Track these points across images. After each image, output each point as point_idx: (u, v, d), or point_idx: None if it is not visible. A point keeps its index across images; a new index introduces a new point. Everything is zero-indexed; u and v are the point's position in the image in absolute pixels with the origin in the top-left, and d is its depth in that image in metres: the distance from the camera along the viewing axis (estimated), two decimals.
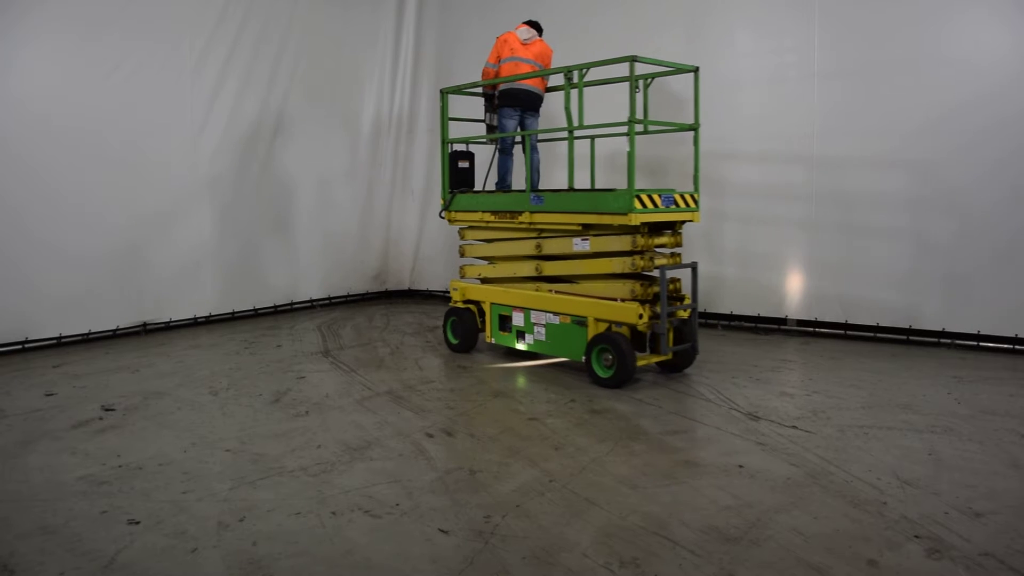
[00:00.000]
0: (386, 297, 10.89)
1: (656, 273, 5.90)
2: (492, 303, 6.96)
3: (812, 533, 3.33)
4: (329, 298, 10.18)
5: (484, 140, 7.53)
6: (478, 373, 6.36)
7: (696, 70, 6.22)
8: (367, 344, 7.62)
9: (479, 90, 7.57)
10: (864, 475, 3.98)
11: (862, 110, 7.40)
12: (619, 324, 5.86)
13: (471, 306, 7.18)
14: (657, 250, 6.09)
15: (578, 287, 6.33)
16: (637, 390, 5.74)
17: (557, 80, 7.39)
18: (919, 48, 7.09)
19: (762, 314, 8.17)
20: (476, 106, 7.92)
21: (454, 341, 7.23)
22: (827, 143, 7.61)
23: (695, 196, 6.16)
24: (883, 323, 7.49)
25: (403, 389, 5.83)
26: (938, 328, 7.22)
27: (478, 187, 7.58)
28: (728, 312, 8.36)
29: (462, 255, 7.39)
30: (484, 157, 7.91)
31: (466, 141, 7.35)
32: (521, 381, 6.09)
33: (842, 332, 7.73)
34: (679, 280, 6.11)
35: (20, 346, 7.12)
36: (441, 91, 7.40)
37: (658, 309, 5.72)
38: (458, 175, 7.32)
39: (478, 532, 3.37)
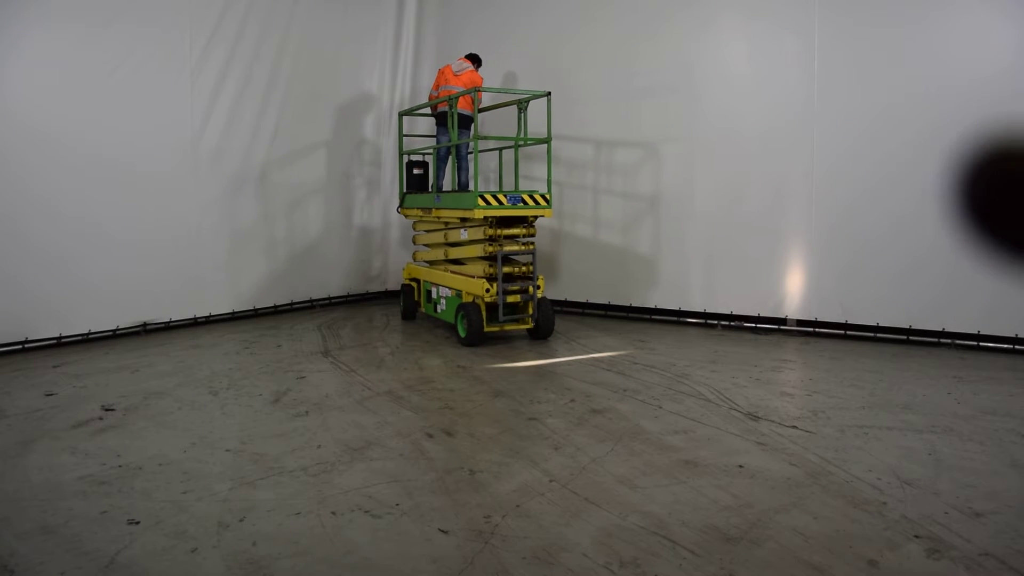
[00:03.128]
0: (386, 297, 10.89)
1: (522, 258, 7.48)
2: (423, 280, 8.73)
3: (812, 533, 3.32)
4: (329, 298, 10.18)
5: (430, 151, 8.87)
6: (478, 373, 6.36)
7: (548, 94, 7.44)
8: (367, 344, 7.62)
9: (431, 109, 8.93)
10: (864, 475, 3.99)
11: (863, 111, 7.41)
12: (478, 296, 7.33)
13: (412, 283, 9.00)
14: (517, 239, 7.49)
15: (464, 268, 7.88)
16: (638, 391, 5.75)
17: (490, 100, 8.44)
18: (923, 50, 7.09)
19: (762, 314, 8.17)
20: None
21: (401, 309, 9.09)
22: (827, 143, 7.61)
23: (547, 196, 7.46)
24: (883, 323, 7.49)
25: (403, 389, 5.83)
26: (938, 328, 7.23)
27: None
28: (728, 312, 8.36)
29: (414, 243, 9.19)
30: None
31: (420, 152, 9.12)
32: (521, 381, 6.09)
33: (842, 332, 7.74)
34: (531, 263, 7.45)
35: (20, 346, 7.11)
36: (399, 113, 9.38)
37: (510, 287, 7.28)
38: (414, 179, 9.02)
39: (478, 532, 3.37)
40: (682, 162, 8.50)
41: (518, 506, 3.64)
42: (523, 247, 7.49)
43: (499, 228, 7.33)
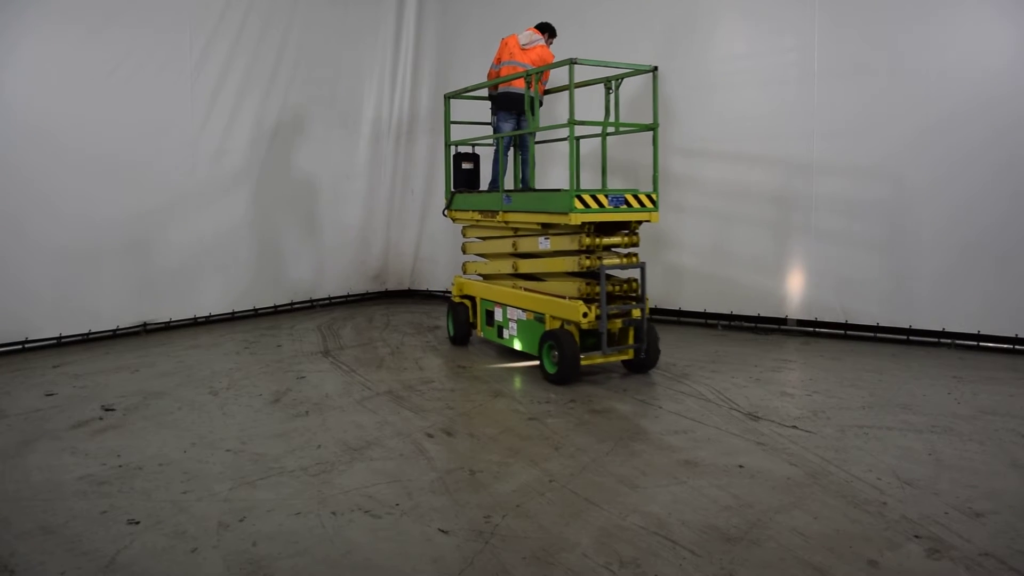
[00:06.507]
0: (386, 297, 10.89)
1: (621, 274, 6.18)
2: (481, 298, 7.24)
3: (812, 533, 3.32)
4: (329, 298, 10.18)
5: (490, 142, 7.50)
6: (478, 373, 6.36)
7: (654, 70, 6.17)
8: (367, 344, 7.62)
9: (484, 92, 7.64)
10: (864, 475, 3.99)
11: (862, 111, 7.41)
12: (569, 322, 5.94)
13: (466, 301, 7.50)
14: (614, 250, 6.18)
15: (544, 285, 6.47)
16: (638, 391, 5.75)
17: (557, 81, 7.57)
18: (922, 49, 7.08)
19: (762, 314, 8.17)
20: (481, 108, 7.97)
21: (451, 333, 7.61)
22: (827, 144, 7.61)
23: (652, 196, 6.09)
24: (883, 323, 7.49)
25: (403, 389, 5.83)
26: (938, 328, 7.22)
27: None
28: (728, 312, 8.36)
29: (464, 252, 7.62)
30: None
31: (469, 143, 7.50)
32: (521, 381, 6.09)
33: (842, 332, 7.73)
34: (635, 280, 6.13)
35: (20, 346, 7.12)
36: (445, 96, 7.62)
37: (610, 309, 5.84)
38: (462, 175, 7.55)
39: (478, 532, 3.37)
40: (687, 157, 8.50)
41: (518, 506, 3.64)
42: (626, 260, 6.19)
43: (599, 237, 5.97)
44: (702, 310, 8.53)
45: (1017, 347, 6.85)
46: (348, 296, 10.46)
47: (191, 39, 8.23)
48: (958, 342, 7.16)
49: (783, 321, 8.07)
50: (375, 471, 4.10)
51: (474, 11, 10.23)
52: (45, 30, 7.10)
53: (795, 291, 7.98)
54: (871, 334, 7.56)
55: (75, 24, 7.29)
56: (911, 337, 7.36)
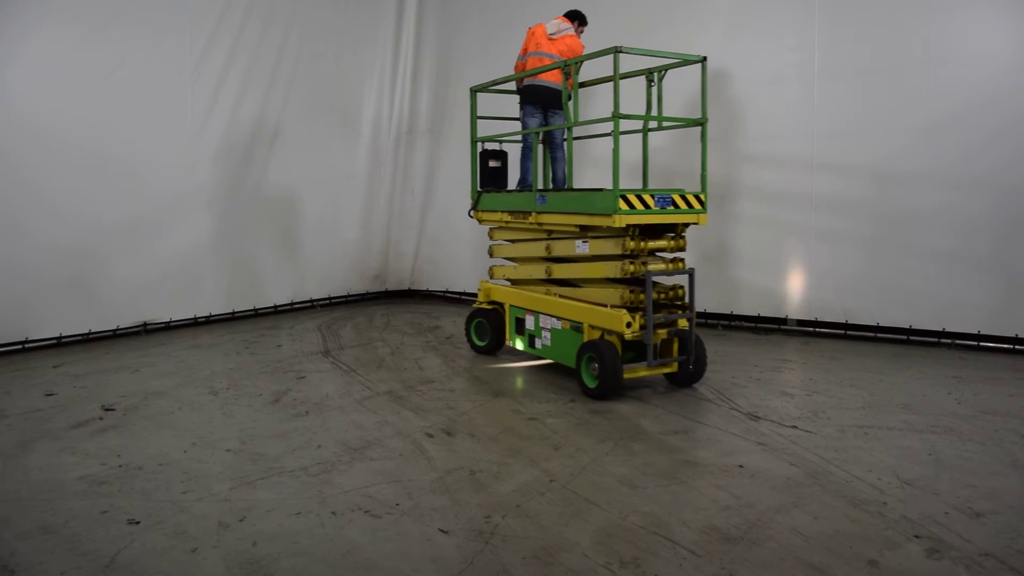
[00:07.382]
0: (386, 297, 10.89)
1: (664, 279, 5.78)
2: (510, 305, 6.82)
3: (812, 533, 3.32)
4: (329, 298, 10.18)
5: (517, 138, 7.18)
6: (478, 373, 6.36)
7: (704, 60, 5.77)
8: (367, 344, 7.62)
9: (512, 86, 7.31)
10: (864, 475, 3.99)
11: (863, 112, 7.41)
12: (610, 332, 5.57)
13: (496, 307, 7.05)
14: (659, 254, 5.86)
15: (581, 291, 6.10)
16: (639, 391, 5.75)
17: (590, 75, 7.21)
18: (924, 49, 7.08)
19: (762, 314, 8.17)
20: (506, 103, 7.69)
21: (480, 343, 7.12)
22: (828, 144, 7.61)
23: (701, 197, 5.69)
24: (883, 323, 7.49)
25: (403, 389, 5.83)
26: (938, 328, 7.22)
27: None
28: (728, 312, 8.36)
29: (491, 255, 7.18)
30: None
31: (496, 139, 7.06)
32: (521, 381, 6.09)
33: (842, 332, 7.73)
34: (681, 287, 5.77)
35: (20, 346, 7.11)
36: (471, 89, 7.19)
37: (656, 316, 5.48)
38: (489, 174, 7.18)
39: (478, 532, 3.37)
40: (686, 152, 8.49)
41: (518, 506, 3.64)
42: (672, 266, 5.76)
43: (644, 240, 5.59)
44: (702, 310, 8.52)
45: (1017, 347, 6.85)
46: (348, 296, 10.46)
47: (191, 39, 8.23)
48: (958, 342, 7.16)
49: (783, 321, 8.07)
50: (375, 471, 4.10)
51: (474, 11, 10.22)
52: (46, 29, 7.10)
53: (795, 291, 7.98)
54: (871, 334, 7.56)
55: (76, 24, 7.29)
56: (911, 337, 7.36)
